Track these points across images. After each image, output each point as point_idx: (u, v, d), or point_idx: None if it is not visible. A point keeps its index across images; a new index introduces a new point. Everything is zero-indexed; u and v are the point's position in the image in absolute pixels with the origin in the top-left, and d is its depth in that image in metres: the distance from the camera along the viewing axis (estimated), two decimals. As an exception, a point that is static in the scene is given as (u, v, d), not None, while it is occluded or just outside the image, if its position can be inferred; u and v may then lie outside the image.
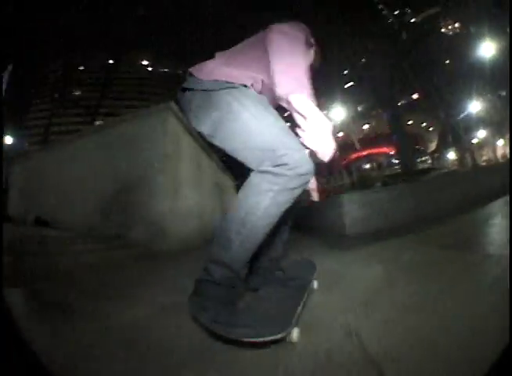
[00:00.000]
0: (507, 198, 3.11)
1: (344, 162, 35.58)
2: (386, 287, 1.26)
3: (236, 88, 1.05)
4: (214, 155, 7.73)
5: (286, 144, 0.96)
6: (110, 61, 56.20)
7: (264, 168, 0.96)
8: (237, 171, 1.21)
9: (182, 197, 5.51)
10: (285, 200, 0.97)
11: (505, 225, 2.16)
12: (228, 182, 9.35)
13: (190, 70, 1.16)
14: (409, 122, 33.31)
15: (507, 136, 26.19)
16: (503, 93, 22.39)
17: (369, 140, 35.13)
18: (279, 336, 0.77)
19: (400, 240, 2.34)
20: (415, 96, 26.58)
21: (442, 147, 31.66)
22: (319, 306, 1.14)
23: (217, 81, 1.06)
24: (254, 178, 0.99)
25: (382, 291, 1.20)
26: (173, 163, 5.44)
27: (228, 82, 1.05)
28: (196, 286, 1.00)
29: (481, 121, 26.43)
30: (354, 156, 35.57)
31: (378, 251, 2.13)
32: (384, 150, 33.25)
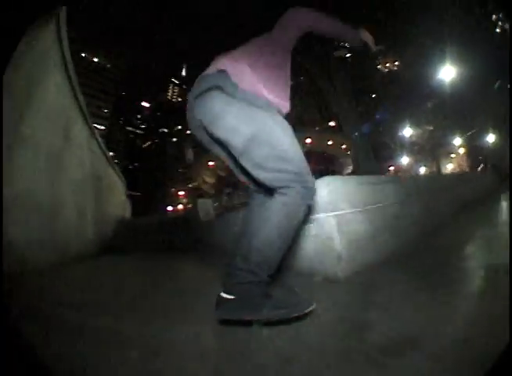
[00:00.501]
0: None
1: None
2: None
3: (274, 110, 1.24)
4: (102, 142, 5.40)
5: (308, 170, 1.18)
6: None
7: (299, 187, 1.12)
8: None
9: (18, 179, 3.09)
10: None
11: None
12: (118, 182, 6.85)
13: (224, 68, 1.19)
14: (329, 142, 32.42)
15: (432, 163, 29.65)
16: (430, 128, 25.63)
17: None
18: (314, 305, 1.10)
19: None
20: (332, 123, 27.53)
21: (357, 172, 33.92)
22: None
23: (259, 97, 1.19)
24: (291, 193, 1.12)
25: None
26: (15, 115, 2.99)
27: (269, 105, 1.22)
28: (239, 289, 1.09)
29: (405, 149, 28.97)
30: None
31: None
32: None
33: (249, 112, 1.14)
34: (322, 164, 32.19)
